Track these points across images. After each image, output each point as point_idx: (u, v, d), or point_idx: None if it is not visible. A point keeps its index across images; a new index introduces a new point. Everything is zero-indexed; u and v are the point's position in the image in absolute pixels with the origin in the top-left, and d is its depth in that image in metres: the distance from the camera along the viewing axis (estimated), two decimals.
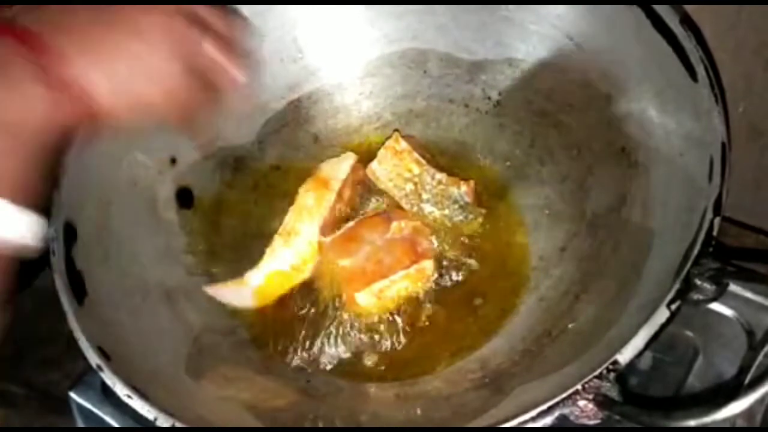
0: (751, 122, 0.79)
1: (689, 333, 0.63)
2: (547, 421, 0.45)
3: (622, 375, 0.46)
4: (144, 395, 0.49)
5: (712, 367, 0.61)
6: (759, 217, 0.80)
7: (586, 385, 0.45)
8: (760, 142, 0.80)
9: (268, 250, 0.65)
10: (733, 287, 0.57)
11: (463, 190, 0.67)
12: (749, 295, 0.61)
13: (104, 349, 0.52)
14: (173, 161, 0.67)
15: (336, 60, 0.72)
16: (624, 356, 0.45)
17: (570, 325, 0.56)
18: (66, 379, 0.72)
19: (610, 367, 0.45)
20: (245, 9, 0.67)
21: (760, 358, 0.50)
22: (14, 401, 0.76)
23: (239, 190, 0.70)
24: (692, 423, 0.40)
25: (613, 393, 0.44)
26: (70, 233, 0.57)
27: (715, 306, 0.62)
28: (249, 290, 0.64)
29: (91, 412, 0.65)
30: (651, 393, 0.61)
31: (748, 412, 0.44)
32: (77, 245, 0.57)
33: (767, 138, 0.79)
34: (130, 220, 0.62)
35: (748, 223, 0.79)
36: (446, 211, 0.67)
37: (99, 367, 0.51)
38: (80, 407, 0.66)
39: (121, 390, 0.49)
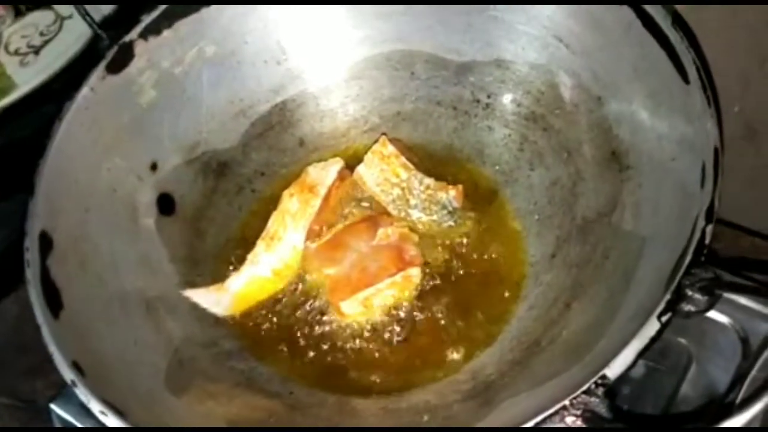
0: (747, 122, 0.78)
1: (683, 341, 0.62)
2: None
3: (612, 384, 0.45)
4: (119, 411, 0.48)
5: (705, 375, 0.60)
6: (755, 219, 0.79)
7: (574, 401, 0.43)
8: (755, 142, 0.79)
9: (249, 256, 0.64)
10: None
11: (451, 195, 0.65)
12: (744, 301, 0.60)
13: (79, 363, 0.50)
14: (154, 167, 0.65)
15: (321, 62, 0.71)
16: (613, 371, 0.44)
17: (560, 335, 0.55)
18: (50, 387, 0.71)
19: (599, 381, 0.43)
20: (227, 10, 0.66)
21: (753, 372, 0.49)
22: None
23: (222, 196, 0.69)
24: None
25: (602, 409, 0.43)
26: (45, 243, 0.55)
27: (710, 313, 0.60)
28: (229, 296, 0.63)
29: (72, 425, 0.63)
30: (643, 402, 0.60)
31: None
32: (53, 255, 0.55)
33: (763, 138, 0.78)
34: (108, 228, 0.60)
35: (744, 225, 0.78)
36: (434, 217, 0.65)
37: (73, 382, 0.49)
38: (61, 419, 0.64)
39: (95, 407, 0.48)
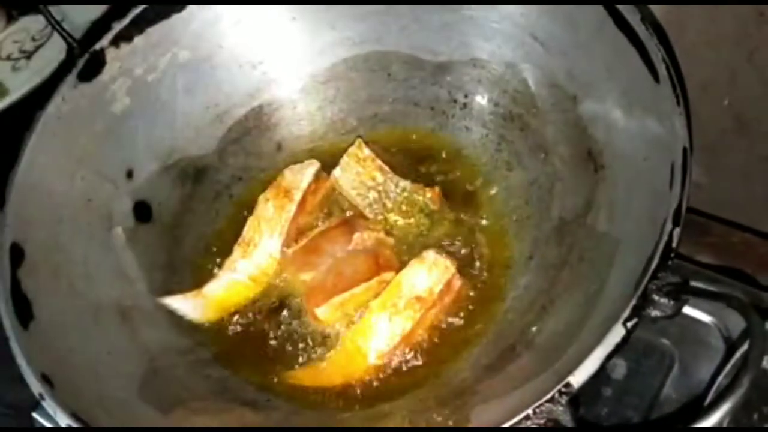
0: (737, 115, 0.76)
1: (665, 341, 0.61)
2: None
3: (594, 385, 0.43)
4: (86, 424, 0.48)
5: (688, 375, 0.59)
6: (747, 214, 0.78)
7: (537, 409, 0.42)
8: (747, 136, 0.78)
9: (226, 262, 0.64)
10: None
11: (428, 197, 0.65)
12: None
13: (49, 375, 0.50)
14: (130, 174, 0.65)
15: (297, 64, 0.70)
16: (577, 378, 0.43)
17: (534, 340, 0.54)
18: None
19: (563, 389, 0.43)
20: (199, 14, 0.65)
21: (720, 377, 0.48)
22: None
23: (200, 202, 0.69)
24: None
25: (565, 417, 0.42)
26: (16, 254, 0.55)
27: (692, 312, 0.60)
28: (205, 301, 0.63)
29: None
30: (625, 404, 0.59)
31: None
32: (24, 266, 0.55)
33: (754, 131, 0.77)
34: (82, 238, 0.60)
35: (736, 220, 0.77)
36: (411, 220, 0.65)
37: (41, 395, 0.49)
38: (44, 428, 0.64)
39: (62, 419, 0.48)
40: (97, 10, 0.85)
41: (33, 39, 0.94)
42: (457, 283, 0.60)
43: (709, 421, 0.38)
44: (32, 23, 0.95)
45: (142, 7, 0.64)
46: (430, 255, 0.59)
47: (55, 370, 0.51)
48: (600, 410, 0.59)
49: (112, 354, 0.57)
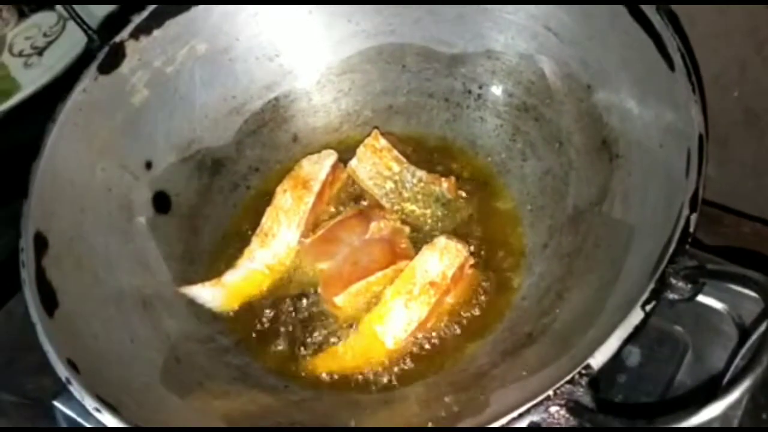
0: (747, 107, 0.77)
1: (678, 328, 0.61)
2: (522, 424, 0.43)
3: (609, 372, 0.44)
4: (113, 408, 0.49)
5: (702, 362, 0.60)
6: (758, 205, 0.78)
7: (558, 391, 0.43)
8: (757, 127, 0.78)
9: (245, 252, 0.64)
10: None
11: (444, 187, 0.66)
12: (740, 288, 0.59)
13: (74, 361, 0.51)
14: (149, 165, 0.66)
15: (313, 57, 0.71)
16: (596, 360, 0.43)
17: (551, 326, 0.55)
18: (57, 385, 0.71)
19: (583, 371, 0.43)
20: (217, 8, 0.66)
21: (736, 360, 0.48)
22: (5, 409, 0.75)
23: (218, 193, 0.70)
24: None
25: (585, 399, 0.43)
26: (40, 244, 0.56)
27: (705, 299, 0.60)
28: (224, 290, 0.64)
29: (75, 422, 0.64)
30: (639, 391, 0.60)
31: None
32: (48, 255, 0.56)
33: (764, 123, 0.77)
34: (103, 228, 0.61)
35: (747, 211, 0.77)
36: (428, 210, 0.65)
37: (68, 380, 0.50)
38: (65, 416, 0.65)
39: (89, 403, 0.49)
40: (112, 5, 0.86)
41: (44, 35, 0.95)
42: (470, 267, 0.61)
43: (729, 399, 0.39)
44: (43, 19, 0.96)
45: None
46: (441, 240, 0.60)
47: (80, 357, 0.52)
48: (615, 397, 0.60)
49: (134, 341, 0.57)
